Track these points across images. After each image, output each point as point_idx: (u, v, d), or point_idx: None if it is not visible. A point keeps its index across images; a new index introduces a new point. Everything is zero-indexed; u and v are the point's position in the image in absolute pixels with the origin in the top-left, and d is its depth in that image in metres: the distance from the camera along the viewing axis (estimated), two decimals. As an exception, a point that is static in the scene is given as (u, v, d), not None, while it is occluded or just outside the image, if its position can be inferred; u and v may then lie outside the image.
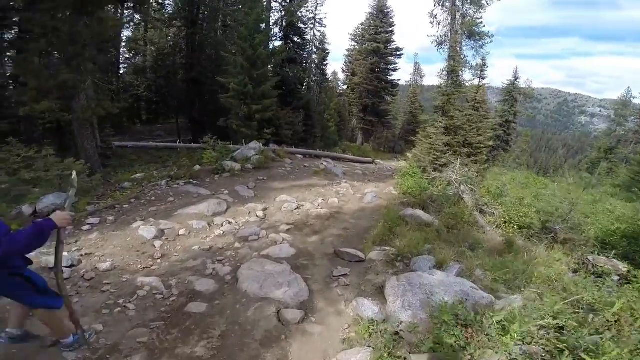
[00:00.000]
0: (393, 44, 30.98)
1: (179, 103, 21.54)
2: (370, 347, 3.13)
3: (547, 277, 4.01)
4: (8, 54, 11.96)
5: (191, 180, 9.25)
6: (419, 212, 7.04)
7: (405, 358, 2.92)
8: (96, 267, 4.59)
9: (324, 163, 14.21)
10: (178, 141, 16.34)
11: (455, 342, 2.81)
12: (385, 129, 33.05)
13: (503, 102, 30.19)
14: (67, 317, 2.86)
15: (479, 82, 17.48)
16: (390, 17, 30.86)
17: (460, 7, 17.67)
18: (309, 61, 25.84)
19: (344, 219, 7.30)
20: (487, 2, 17.29)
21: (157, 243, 5.50)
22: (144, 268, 4.79)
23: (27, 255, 2.61)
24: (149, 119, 26.53)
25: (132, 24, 22.13)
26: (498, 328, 2.92)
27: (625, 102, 32.40)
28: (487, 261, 4.61)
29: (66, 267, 4.31)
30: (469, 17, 17.45)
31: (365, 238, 5.97)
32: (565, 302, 3.32)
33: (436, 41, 18.23)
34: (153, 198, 7.74)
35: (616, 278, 5.00)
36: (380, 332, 3.33)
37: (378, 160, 20.86)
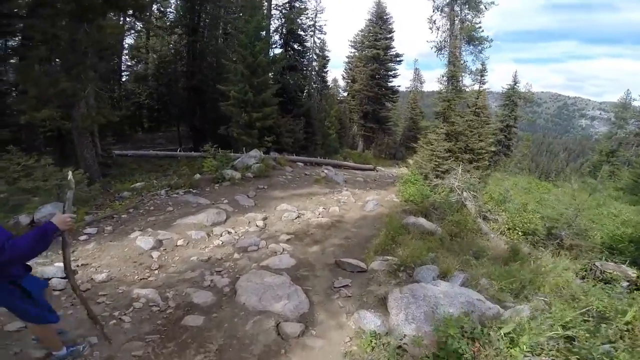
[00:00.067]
0: (392, 50, 31.12)
1: (180, 111, 21.60)
2: (373, 361, 3.01)
3: (555, 284, 3.88)
4: (12, 60, 12.03)
5: (191, 190, 9.17)
6: (422, 220, 6.92)
7: (409, 373, 2.80)
8: (92, 278, 4.51)
9: (325, 171, 14.14)
10: (178, 149, 16.32)
11: (462, 356, 2.69)
12: (386, 135, 33.00)
13: (503, 107, 30.09)
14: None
15: (480, 87, 17.51)
16: (390, 24, 31.04)
17: (459, 12, 17.76)
18: (309, 68, 25.94)
19: (345, 228, 7.19)
20: (485, 6, 17.38)
21: (155, 254, 5.41)
22: (140, 279, 4.70)
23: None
24: (150, 127, 26.59)
25: (132, 31, 22.31)
26: (506, 340, 2.80)
27: (625, 104, 32.34)
28: (492, 270, 4.48)
29: (62, 278, 4.24)
30: (467, 22, 17.52)
31: (366, 247, 5.85)
32: (576, 311, 3.20)
33: (435, 46, 18.31)
34: (152, 208, 7.66)
35: (625, 284, 4.86)
36: (383, 345, 3.22)
37: (379, 167, 20.78)
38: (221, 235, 6.28)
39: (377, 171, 19.03)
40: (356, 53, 32.66)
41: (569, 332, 2.72)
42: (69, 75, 7.97)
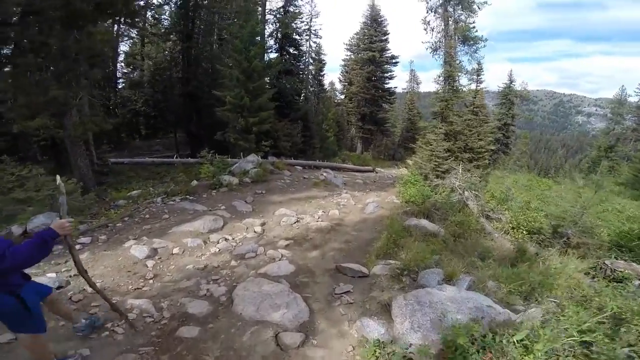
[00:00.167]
0: (388, 52, 31.18)
1: (177, 117, 21.49)
2: (377, 372, 2.84)
3: (567, 286, 3.70)
4: (6, 69, 11.90)
5: (187, 196, 9.01)
6: (424, 222, 6.75)
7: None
8: (84, 289, 4.35)
9: (324, 174, 13.99)
10: (175, 156, 16.17)
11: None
12: (384, 136, 32.97)
13: (500, 106, 30.16)
14: (49, 342, 2.83)
15: (477, 86, 17.43)
16: (384, 26, 31.14)
17: (452, 12, 17.73)
18: (306, 72, 25.91)
19: (345, 231, 7.02)
20: (478, 6, 17.33)
21: (150, 263, 5.26)
22: (134, 289, 4.56)
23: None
24: (147, 134, 26.48)
25: (126, 38, 22.24)
26: (520, 348, 2.63)
27: (621, 100, 32.40)
28: (499, 271, 4.31)
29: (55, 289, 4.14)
30: (461, 23, 17.48)
31: (368, 251, 5.67)
32: (592, 315, 3.04)
33: (431, 47, 18.21)
34: (147, 216, 7.49)
35: (637, 283, 4.70)
36: (388, 355, 3.06)
37: (378, 169, 20.65)
38: (218, 242, 6.10)
39: (376, 173, 18.90)
40: (352, 56, 32.71)
41: (586, 338, 2.55)
42: (59, 83, 7.82)
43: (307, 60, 25.82)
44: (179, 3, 20.36)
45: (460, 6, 17.58)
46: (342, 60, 33.83)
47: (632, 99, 32.22)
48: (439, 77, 17.28)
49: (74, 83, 8.24)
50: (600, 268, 5.11)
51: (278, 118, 18.75)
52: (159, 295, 4.36)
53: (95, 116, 9.77)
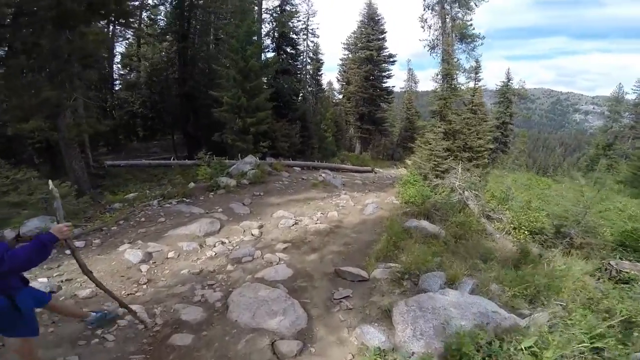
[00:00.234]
0: (385, 50, 31.03)
1: (174, 118, 21.32)
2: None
3: (574, 289, 3.58)
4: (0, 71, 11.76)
5: (184, 199, 8.90)
6: (424, 223, 6.62)
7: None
8: (75, 294, 4.30)
9: (323, 174, 13.86)
10: (172, 158, 16.02)
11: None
12: (382, 136, 32.85)
13: (498, 104, 30.16)
14: (39, 349, 2.83)
15: (475, 84, 17.34)
16: (381, 24, 30.99)
17: (450, 10, 17.66)
18: (304, 72, 25.78)
19: (344, 234, 6.89)
20: (475, 3, 17.26)
21: (144, 267, 5.17)
22: (127, 294, 4.46)
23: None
24: (145, 136, 26.32)
25: (121, 39, 22.09)
26: (528, 355, 2.51)
27: (618, 98, 32.44)
28: (502, 274, 4.19)
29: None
30: (458, 20, 17.41)
31: (367, 254, 5.53)
32: (603, 319, 2.93)
33: (428, 45, 18.11)
34: (143, 219, 7.38)
35: (644, 284, 4.58)
36: (389, 363, 2.93)
37: (377, 169, 20.54)
38: (214, 246, 5.98)
39: (375, 173, 18.78)
40: (350, 55, 32.58)
41: (598, 343, 2.43)
42: (52, 83, 7.67)
43: (304, 59, 25.70)
44: (174, 3, 20.17)
45: (457, 3, 17.50)
46: (340, 59, 33.74)
47: (630, 97, 32.30)
48: (437, 75, 17.19)
49: (67, 84, 8.09)
50: (606, 269, 5.01)
51: (276, 118, 18.60)
52: (152, 301, 4.27)
53: (89, 118, 9.61)
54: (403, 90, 39.05)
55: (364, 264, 5.12)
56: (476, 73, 18.37)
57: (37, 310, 3.80)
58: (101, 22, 14.31)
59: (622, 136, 31.42)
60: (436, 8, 17.88)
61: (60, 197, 2.76)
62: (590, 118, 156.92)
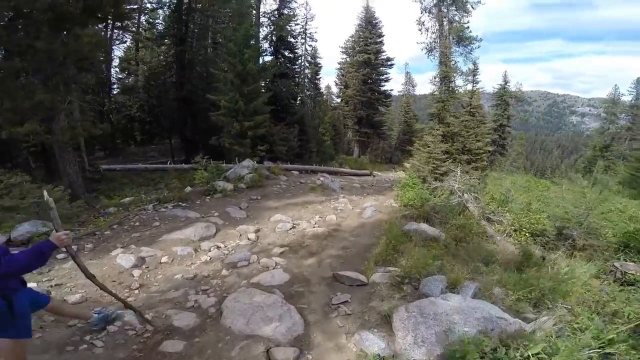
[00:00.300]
0: (383, 54, 31.13)
1: (171, 122, 21.25)
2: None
3: (582, 293, 3.45)
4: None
5: (180, 203, 8.76)
6: (424, 226, 6.49)
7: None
8: (64, 300, 4.18)
9: (321, 178, 13.75)
10: (169, 162, 15.90)
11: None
12: (381, 140, 32.82)
13: (495, 107, 30.26)
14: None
15: (473, 86, 17.33)
16: (379, 28, 31.11)
17: (447, 12, 17.74)
18: (302, 75, 25.77)
19: (342, 237, 6.75)
20: (472, 6, 17.39)
21: (136, 272, 5.03)
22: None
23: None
24: (143, 140, 26.24)
25: (117, 42, 22.02)
26: (536, 362, 2.39)
27: (615, 99, 32.63)
28: (505, 277, 4.07)
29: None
30: (455, 23, 17.49)
31: (366, 258, 5.40)
32: (605, 320, 2.81)
33: (426, 48, 18.21)
34: (137, 223, 7.22)
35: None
36: (390, 371, 2.80)
37: (376, 172, 20.46)
38: (209, 251, 5.85)
39: (374, 176, 18.69)
40: (348, 59, 32.65)
41: (610, 349, 2.31)
42: (46, 86, 7.55)
43: (303, 63, 25.72)
44: (172, 7, 20.17)
45: (454, 6, 17.61)
46: (338, 63, 33.82)
47: (626, 98, 32.48)
48: (435, 78, 17.24)
49: (62, 87, 7.97)
50: (610, 271, 4.90)
51: (274, 122, 18.53)
52: (144, 307, 4.13)
53: (85, 121, 9.49)
54: (401, 93, 39.13)
55: (363, 268, 4.99)
56: (474, 75, 18.40)
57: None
58: (99, 25, 14.30)
59: (619, 137, 31.58)
60: (433, 11, 17.97)
61: (54, 202, 2.75)
62: (586, 120, 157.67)
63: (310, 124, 22.79)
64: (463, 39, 17.41)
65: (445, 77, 16.29)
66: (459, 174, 9.51)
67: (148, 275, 5.01)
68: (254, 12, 21.38)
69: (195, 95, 18.69)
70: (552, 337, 2.60)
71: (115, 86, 23.89)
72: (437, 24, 17.78)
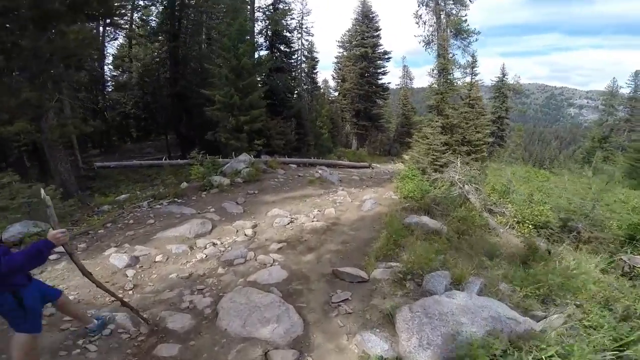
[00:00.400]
0: (380, 47, 30.95)
1: (166, 118, 21.01)
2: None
3: (596, 291, 3.29)
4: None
5: (176, 200, 8.58)
6: (425, 219, 6.32)
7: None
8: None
9: (319, 171, 13.56)
10: (164, 158, 15.68)
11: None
12: (379, 132, 32.72)
13: (494, 99, 30.29)
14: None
15: (472, 79, 17.14)
16: (376, 22, 30.90)
17: (444, 6, 17.44)
18: (298, 70, 25.51)
19: (342, 231, 6.59)
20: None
21: (130, 272, 4.85)
22: (112, 301, 4.14)
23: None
24: (139, 136, 26.03)
25: (109, 40, 21.69)
26: (550, 365, 2.24)
27: (613, 92, 32.60)
28: (511, 272, 3.92)
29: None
30: (453, 16, 17.22)
31: (367, 253, 5.24)
32: (616, 316, 2.67)
33: (423, 41, 17.90)
34: (131, 221, 7.04)
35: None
36: (394, 374, 2.65)
37: (374, 164, 20.31)
38: (205, 248, 5.68)
39: (372, 168, 18.55)
40: (344, 53, 32.43)
41: (629, 352, 2.16)
42: (32, 84, 7.29)
43: (299, 57, 25.45)
44: (165, 3, 19.80)
45: (451, 0, 17.32)
46: (335, 57, 33.62)
47: (624, 91, 32.44)
48: (433, 70, 17.00)
49: (50, 85, 7.71)
50: (618, 264, 4.76)
51: (270, 116, 18.33)
52: (138, 308, 3.95)
53: (74, 118, 9.23)
54: (398, 86, 38.88)
55: (364, 264, 4.82)
56: (472, 67, 18.20)
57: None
58: (92, 23, 13.97)
59: (618, 129, 31.61)
60: (430, 4, 17.65)
61: (50, 202, 2.70)
62: (584, 112, 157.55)
63: (308, 117, 22.60)
64: (461, 32, 17.15)
65: (443, 69, 16.06)
66: (459, 165, 9.36)
67: (142, 275, 4.84)
68: (249, 7, 21.02)
69: (189, 91, 18.46)
70: (564, 337, 2.44)
71: (109, 83, 23.60)
72: (435, 17, 17.47)
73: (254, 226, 6.83)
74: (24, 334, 2.67)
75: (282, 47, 23.50)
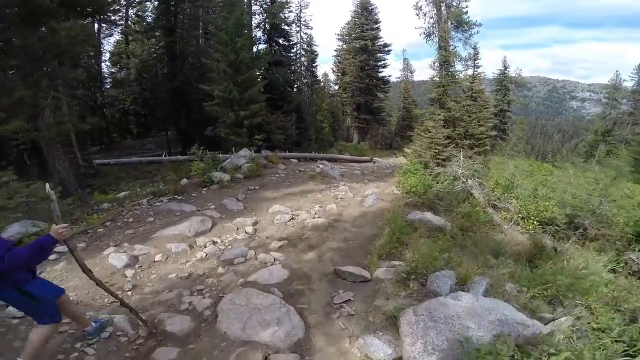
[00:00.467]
0: (380, 40, 30.58)
1: (166, 114, 20.87)
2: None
3: (610, 294, 3.17)
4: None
5: (176, 196, 8.49)
6: (428, 215, 6.21)
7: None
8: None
9: (320, 166, 13.44)
10: (164, 154, 15.57)
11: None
12: (380, 126, 32.47)
13: (496, 92, 30.04)
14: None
15: (474, 71, 16.91)
16: (375, 14, 30.49)
17: (443, -3, 17.16)
18: (298, 63, 25.25)
19: (343, 228, 6.49)
20: (469, -9, 16.76)
21: (129, 272, 4.78)
22: (110, 302, 4.07)
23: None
24: (139, 133, 25.91)
25: (104, 36, 21.44)
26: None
27: (616, 85, 32.26)
28: (518, 271, 3.81)
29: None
30: (453, 8, 16.94)
31: (369, 250, 5.14)
32: (625, 318, 2.58)
33: (424, 33, 17.68)
34: (131, 219, 6.97)
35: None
36: (398, 380, 2.57)
37: (376, 158, 20.18)
38: (205, 247, 5.60)
39: (374, 162, 18.42)
40: (344, 45, 32.06)
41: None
42: (25, 83, 7.16)
43: (298, 51, 25.18)
44: (160, -2, 19.53)
45: (451, -9, 17.02)
46: (335, 50, 33.26)
47: (627, 84, 32.05)
48: (434, 62, 16.80)
49: (44, 82, 7.58)
50: (626, 263, 4.64)
51: (271, 110, 18.17)
52: (137, 310, 3.90)
53: (71, 116, 9.11)
54: (399, 79, 38.50)
55: (366, 263, 4.73)
56: (474, 60, 17.96)
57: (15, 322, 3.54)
58: (84, 20, 13.76)
59: (621, 122, 31.30)
60: (430, -5, 17.37)
61: (43, 199, 2.82)
62: (587, 105, 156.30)
63: (308, 111, 22.43)
64: (462, 24, 16.90)
65: (444, 62, 15.84)
66: (461, 159, 9.22)
67: (141, 275, 4.77)
68: (245, 0, 20.73)
69: (188, 87, 18.30)
70: (573, 340, 2.35)
71: (107, 80, 23.42)
72: (435, 9, 17.22)
73: (255, 223, 6.74)
74: (46, 325, 2.75)
75: (280, 41, 23.22)
